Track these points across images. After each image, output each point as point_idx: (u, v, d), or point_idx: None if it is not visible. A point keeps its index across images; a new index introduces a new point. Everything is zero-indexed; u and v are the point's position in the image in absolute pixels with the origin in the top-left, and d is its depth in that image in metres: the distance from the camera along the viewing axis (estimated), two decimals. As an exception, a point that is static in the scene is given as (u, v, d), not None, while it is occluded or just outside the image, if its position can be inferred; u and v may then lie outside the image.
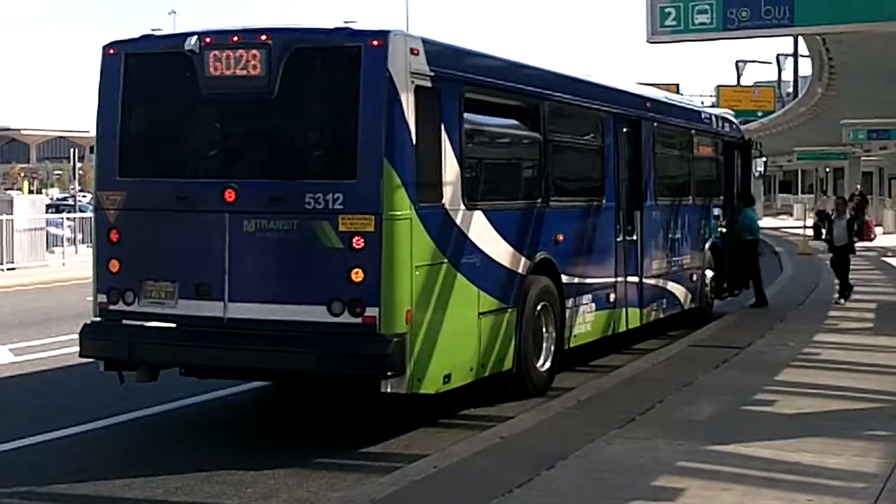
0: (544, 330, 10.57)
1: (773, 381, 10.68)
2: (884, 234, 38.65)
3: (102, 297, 9.10)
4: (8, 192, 55.91)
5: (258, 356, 8.51)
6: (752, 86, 62.56)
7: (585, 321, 11.65)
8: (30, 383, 11.46)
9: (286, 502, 7.09)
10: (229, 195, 8.58)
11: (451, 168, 8.97)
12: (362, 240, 8.20)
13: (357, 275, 8.20)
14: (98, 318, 9.14)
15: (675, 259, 14.64)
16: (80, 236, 29.84)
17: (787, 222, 56.34)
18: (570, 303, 11.13)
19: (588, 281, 11.71)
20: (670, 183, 14.83)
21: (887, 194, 54.78)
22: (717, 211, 16.64)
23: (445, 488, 6.92)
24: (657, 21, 12.23)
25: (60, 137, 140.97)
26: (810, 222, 38.57)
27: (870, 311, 16.75)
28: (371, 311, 8.18)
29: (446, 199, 8.90)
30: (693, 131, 15.75)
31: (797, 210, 57.29)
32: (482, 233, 9.46)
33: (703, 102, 45.62)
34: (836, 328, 14.91)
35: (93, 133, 9.80)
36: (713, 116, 17.14)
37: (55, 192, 78.40)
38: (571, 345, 11.32)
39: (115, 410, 9.59)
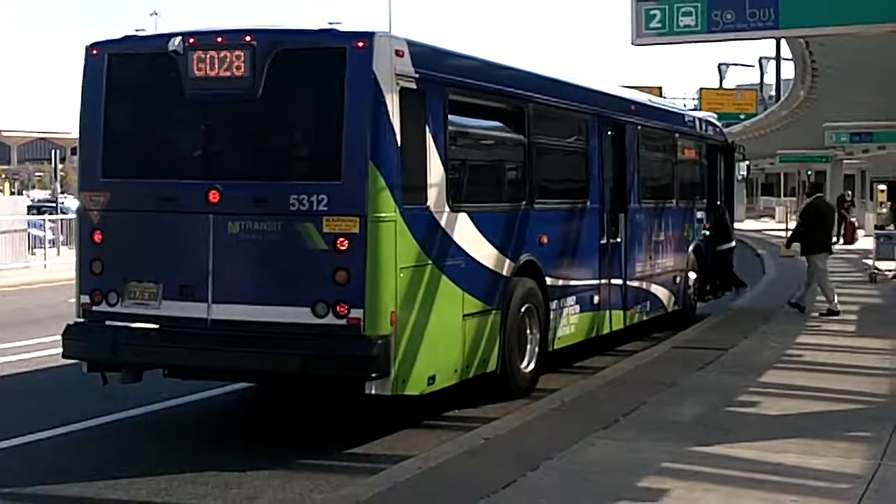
0: (528, 331, 10.58)
1: (757, 382, 10.72)
2: (865, 236, 38.78)
3: (85, 298, 9.06)
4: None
5: (242, 357, 8.48)
6: (734, 89, 62.87)
7: (570, 323, 11.67)
8: (12, 384, 11.40)
9: (270, 503, 7.08)
10: (213, 196, 8.55)
11: (435, 170, 8.97)
12: (347, 241, 8.19)
13: (341, 276, 8.19)
14: (81, 319, 9.10)
15: (658, 261, 14.67)
16: (61, 238, 29.71)
17: (770, 224, 56.60)
18: (554, 304, 11.14)
19: (572, 283, 11.72)
20: (654, 185, 14.86)
21: (869, 197, 55.07)
22: (700, 214, 16.69)
23: (430, 489, 6.91)
24: (642, 23, 12.24)
25: (41, 139, 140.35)
26: (793, 225, 38.64)
27: (853, 312, 16.82)
28: (355, 313, 8.17)
29: (431, 201, 8.90)
30: (676, 134, 15.81)
31: (779, 212, 57.55)
32: (467, 235, 9.46)
33: (685, 105, 45.84)
34: (820, 330, 14.96)
35: (74, 135, 9.77)
36: (696, 119, 17.19)
37: (36, 194, 78.07)
38: (555, 346, 11.33)
39: (98, 411, 9.55)
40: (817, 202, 17.10)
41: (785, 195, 73.44)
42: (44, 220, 30.72)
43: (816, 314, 16.32)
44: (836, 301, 16.39)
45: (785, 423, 8.77)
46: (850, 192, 44.14)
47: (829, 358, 12.39)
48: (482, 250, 9.71)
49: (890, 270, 22.98)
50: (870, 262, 24.16)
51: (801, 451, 7.74)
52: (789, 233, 17.51)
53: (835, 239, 38.35)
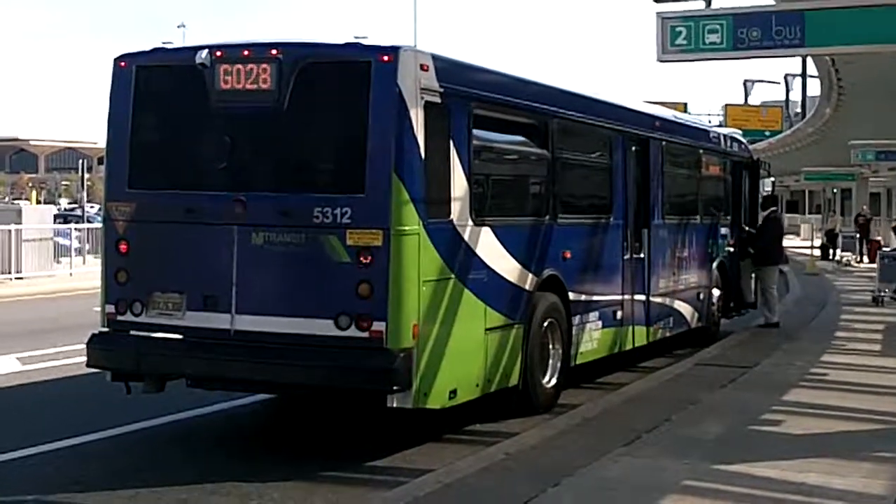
0: (551, 346, 10.55)
1: (781, 400, 10.65)
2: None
3: (110, 308, 9.12)
4: (17, 201, 56.07)
5: (264, 369, 8.51)
6: (759, 105, 62.57)
7: (592, 338, 11.64)
8: (36, 392, 11.47)
9: (291, 516, 7.10)
10: (238, 208, 8.60)
11: (459, 184, 8.98)
12: (370, 254, 8.21)
13: (364, 289, 8.20)
14: (105, 329, 9.15)
15: (682, 277, 14.63)
16: (87, 247, 29.90)
17: (795, 242, 56.27)
18: (576, 320, 11.12)
19: (595, 298, 11.70)
20: (678, 201, 14.83)
21: (895, 215, 54.65)
22: (724, 230, 16.63)
23: (450, 504, 6.91)
24: (668, 40, 12.25)
25: (68, 148, 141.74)
26: (818, 242, 38.44)
27: (878, 332, 16.72)
28: (378, 326, 8.18)
29: (454, 215, 8.91)
30: (701, 150, 15.76)
31: (804, 230, 57.19)
32: (490, 249, 9.46)
33: (710, 121, 45.70)
34: (844, 349, 14.88)
35: (101, 144, 9.88)
36: (721, 136, 17.15)
37: (64, 203, 78.71)
38: (577, 362, 11.31)
39: (120, 421, 9.59)
40: (773, 216, 17.37)
41: (810, 212, 73.03)
42: (70, 228, 30.92)
43: (760, 322, 16.88)
44: (776, 315, 16.95)
45: (808, 443, 8.72)
46: (864, 207, 43.92)
47: (854, 377, 12.30)
48: (505, 264, 9.71)
49: None
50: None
51: (824, 471, 7.68)
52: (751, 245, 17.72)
53: (858, 257, 38.44)
